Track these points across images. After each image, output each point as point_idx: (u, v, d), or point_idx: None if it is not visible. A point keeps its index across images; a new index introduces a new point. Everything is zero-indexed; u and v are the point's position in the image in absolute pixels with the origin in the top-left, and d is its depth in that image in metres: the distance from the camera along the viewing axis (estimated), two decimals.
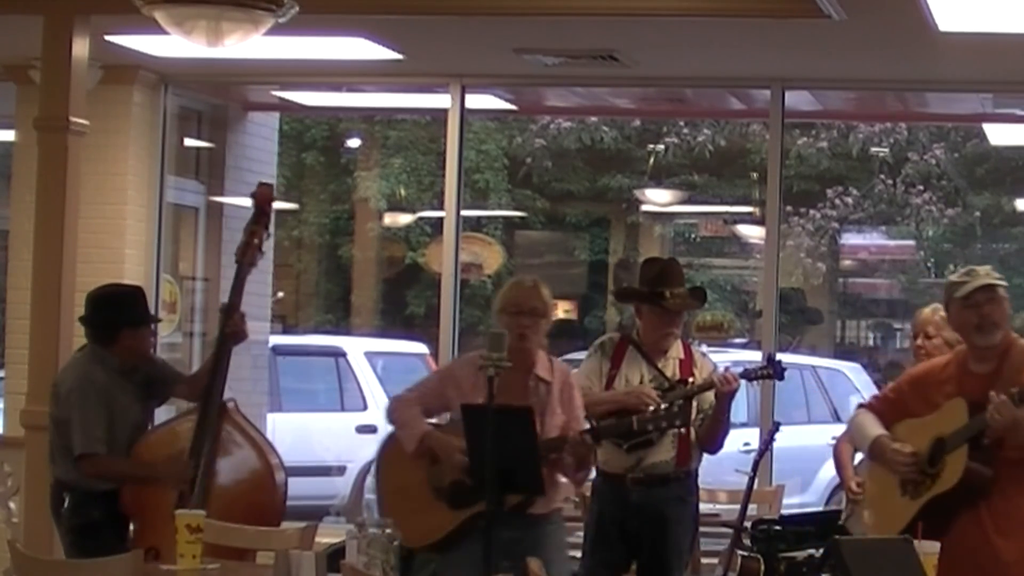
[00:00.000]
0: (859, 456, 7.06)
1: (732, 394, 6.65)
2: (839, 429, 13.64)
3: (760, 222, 15.08)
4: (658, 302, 6.77)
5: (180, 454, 6.45)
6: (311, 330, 18.03)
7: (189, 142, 10.38)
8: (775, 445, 7.61)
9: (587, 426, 6.47)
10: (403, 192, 18.14)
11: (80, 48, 7.46)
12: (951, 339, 6.75)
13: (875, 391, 14.54)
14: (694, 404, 6.75)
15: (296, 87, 10.23)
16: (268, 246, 10.74)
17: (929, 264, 19.04)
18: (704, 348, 9.23)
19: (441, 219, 9.86)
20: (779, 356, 7.21)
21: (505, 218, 18.56)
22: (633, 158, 18.12)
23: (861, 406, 5.71)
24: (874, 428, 5.49)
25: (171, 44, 7.54)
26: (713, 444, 6.81)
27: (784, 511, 8.08)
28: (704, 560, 7.64)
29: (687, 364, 6.83)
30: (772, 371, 6.90)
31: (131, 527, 6.52)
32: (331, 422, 13.43)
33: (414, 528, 5.82)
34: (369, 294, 19.10)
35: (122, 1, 5.79)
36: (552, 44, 8.27)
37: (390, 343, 15.56)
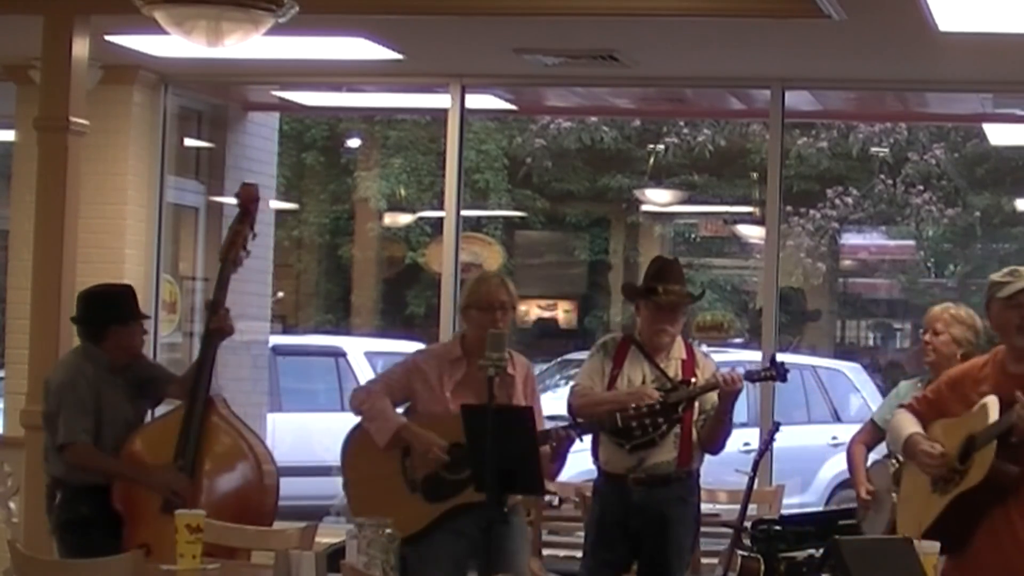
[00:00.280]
0: (872, 458, 7.07)
1: (736, 395, 6.65)
2: (839, 429, 13.80)
3: (760, 222, 15.08)
4: (651, 297, 6.79)
5: (169, 460, 6.47)
6: (311, 330, 18.03)
7: (189, 142, 10.39)
8: (775, 445, 7.60)
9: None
10: (403, 192, 18.15)
11: (80, 48, 7.46)
12: (959, 336, 6.77)
13: (875, 391, 14.68)
14: (696, 405, 6.75)
15: (296, 87, 10.23)
16: (267, 244, 10.80)
17: (929, 264, 19.04)
18: (704, 348, 9.23)
19: (441, 219, 9.86)
20: (779, 356, 7.22)
21: (505, 218, 18.57)
22: (633, 158, 18.12)
23: (901, 407, 5.69)
24: (909, 427, 5.46)
25: (171, 44, 7.54)
26: (715, 444, 6.81)
27: (784, 511, 8.08)
28: (704, 560, 7.64)
29: (689, 364, 6.82)
30: (775, 372, 6.89)
31: (125, 525, 6.52)
32: (331, 422, 13.37)
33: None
34: (369, 294, 19.10)
35: (122, 1, 5.79)
36: (552, 44, 8.27)
37: (390, 343, 15.55)
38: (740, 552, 7.17)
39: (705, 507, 7.18)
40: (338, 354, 14.26)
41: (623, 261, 18.84)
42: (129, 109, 9.43)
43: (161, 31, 5.81)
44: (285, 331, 17.02)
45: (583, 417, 6.70)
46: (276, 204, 11.86)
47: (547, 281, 19.28)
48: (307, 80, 9.91)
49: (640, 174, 18.14)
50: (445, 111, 9.49)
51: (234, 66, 8.82)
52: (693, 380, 6.75)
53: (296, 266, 19.05)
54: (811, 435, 13.41)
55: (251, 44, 5.90)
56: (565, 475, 7.63)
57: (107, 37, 8.14)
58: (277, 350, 12.90)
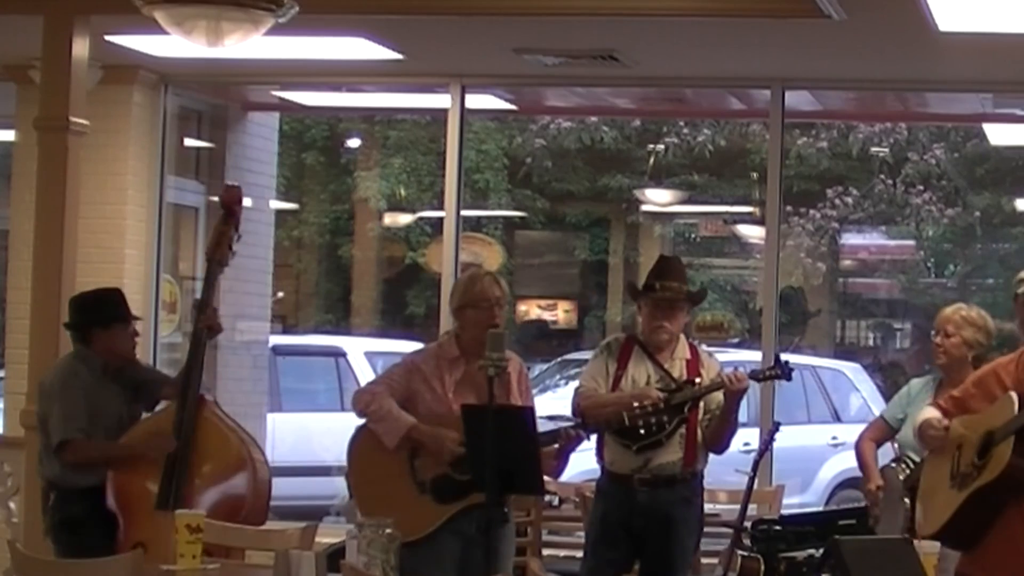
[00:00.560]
0: (883, 459, 7.05)
1: (741, 394, 6.64)
2: (839, 429, 13.80)
3: (760, 222, 15.07)
4: (648, 294, 6.79)
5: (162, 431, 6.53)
6: (311, 330, 18.02)
7: (189, 142, 10.39)
8: (775, 445, 7.60)
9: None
10: (403, 192, 18.14)
11: (80, 48, 7.47)
12: (970, 339, 6.75)
13: (875, 391, 14.68)
14: (701, 405, 6.74)
15: (296, 87, 10.23)
16: (267, 244, 10.80)
17: (929, 264, 19.03)
18: (708, 348, 9.24)
19: (441, 219, 9.86)
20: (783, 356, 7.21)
21: (505, 218, 18.56)
22: (633, 158, 18.11)
23: (930, 405, 5.69)
24: (927, 415, 5.47)
25: (171, 44, 7.54)
26: (720, 444, 6.81)
27: (784, 511, 8.08)
28: (704, 560, 7.64)
29: (694, 364, 6.82)
30: (780, 371, 6.89)
31: (120, 525, 6.53)
32: (331, 422, 13.39)
33: (398, 524, 5.81)
34: (369, 294, 19.10)
35: (122, 1, 5.79)
36: (552, 44, 8.27)
37: (390, 343, 15.54)
38: (740, 552, 7.17)
39: (705, 507, 7.18)
40: (338, 354, 14.26)
41: (623, 261, 18.83)
42: (129, 109, 9.44)
43: (161, 31, 5.82)
44: (285, 331, 17.02)
45: (589, 419, 6.69)
46: (276, 204, 11.85)
47: (547, 281, 19.28)
48: (307, 80, 9.91)
49: (640, 174, 18.13)
50: (445, 111, 9.50)
51: (234, 66, 8.83)
52: (698, 380, 6.75)
53: (296, 266, 19.05)
54: (811, 435, 13.41)
55: (251, 44, 5.90)
56: (566, 475, 7.63)
57: (107, 37, 8.14)
58: (277, 350, 12.89)
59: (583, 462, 7.27)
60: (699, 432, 6.75)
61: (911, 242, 18.63)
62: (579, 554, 7.10)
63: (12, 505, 8.57)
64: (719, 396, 6.69)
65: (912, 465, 6.51)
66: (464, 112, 9.49)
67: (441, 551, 6.21)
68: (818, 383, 14.49)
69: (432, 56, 8.80)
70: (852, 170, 17.83)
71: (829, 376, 14.81)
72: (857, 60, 8.34)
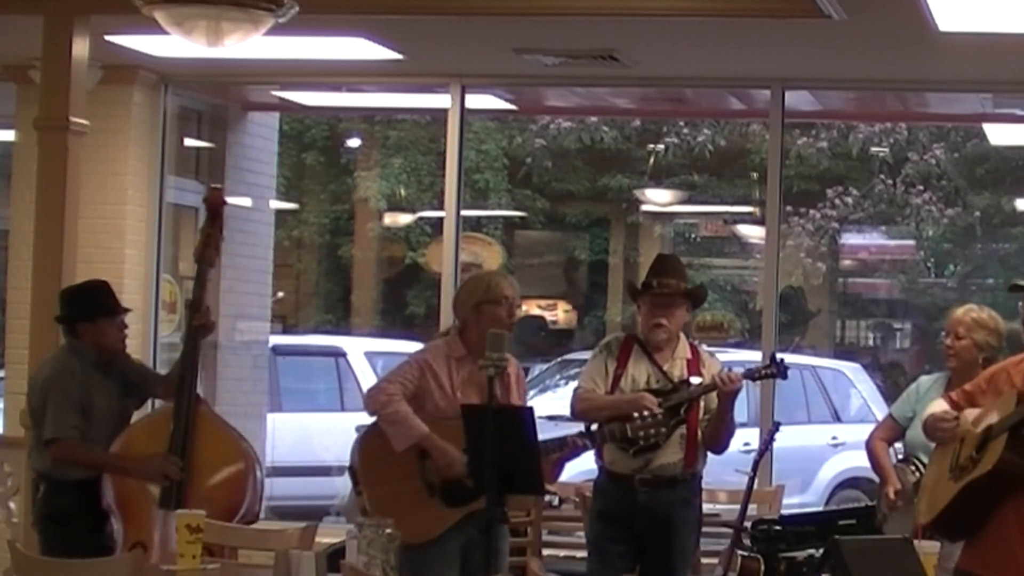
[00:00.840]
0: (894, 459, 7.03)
1: (734, 394, 6.64)
2: (839, 429, 13.80)
3: (760, 222, 15.06)
4: (646, 292, 6.80)
5: (158, 451, 6.50)
6: (311, 330, 18.02)
7: (189, 142, 10.39)
8: (775, 445, 7.60)
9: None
10: (403, 192, 18.13)
11: (80, 48, 7.47)
12: (981, 341, 6.72)
13: (875, 391, 14.67)
14: (701, 404, 6.74)
15: (296, 87, 10.23)
16: (267, 244, 10.78)
17: (929, 264, 19.02)
18: (708, 348, 9.23)
19: (441, 219, 9.86)
20: (779, 355, 7.21)
21: (505, 218, 18.55)
22: (633, 158, 18.11)
23: (940, 398, 5.69)
24: (937, 407, 5.48)
25: (171, 44, 7.54)
26: (719, 444, 6.80)
27: (784, 511, 8.07)
28: (704, 560, 7.64)
29: (694, 364, 6.81)
30: (776, 370, 6.88)
31: (110, 521, 6.52)
32: (331, 422, 13.40)
33: (408, 525, 5.81)
34: (369, 294, 19.09)
35: (122, 1, 5.80)
36: (552, 44, 8.27)
37: (390, 343, 15.54)
38: (740, 552, 7.17)
39: (705, 507, 7.18)
40: (338, 354, 14.26)
41: (623, 261, 18.82)
42: (129, 109, 9.44)
43: (161, 31, 5.82)
44: (285, 331, 17.01)
45: (585, 421, 6.71)
46: (276, 204, 11.85)
47: (547, 281, 19.27)
48: (307, 80, 9.91)
49: (640, 174, 18.12)
50: (445, 111, 9.50)
51: (234, 66, 8.82)
52: (698, 380, 6.74)
53: (296, 266, 19.05)
54: (811, 435, 13.41)
55: (251, 44, 5.90)
56: (565, 475, 7.62)
57: (107, 37, 8.14)
58: (277, 350, 12.89)
59: (583, 462, 7.27)
60: (699, 432, 6.75)
61: (911, 242, 18.62)
62: (579, 554, 7.09)
63: (12, 505, 8.57)
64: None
65: (922, 467, 6.47)
66: (464, 112, 9.49)
67: (445, 552, 6.23)
68: (818, 383, 14.48)
69: (432, 56, 8.80)
70: (852, 170, 17.83)
71: (829, 376, 14.81)
72: (857, 60, 8.34)
